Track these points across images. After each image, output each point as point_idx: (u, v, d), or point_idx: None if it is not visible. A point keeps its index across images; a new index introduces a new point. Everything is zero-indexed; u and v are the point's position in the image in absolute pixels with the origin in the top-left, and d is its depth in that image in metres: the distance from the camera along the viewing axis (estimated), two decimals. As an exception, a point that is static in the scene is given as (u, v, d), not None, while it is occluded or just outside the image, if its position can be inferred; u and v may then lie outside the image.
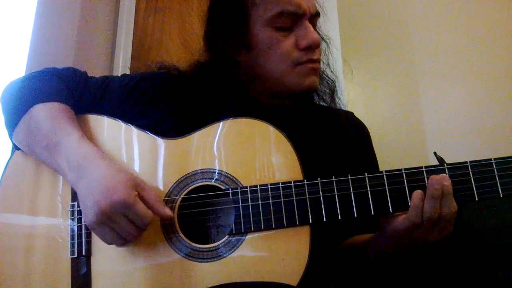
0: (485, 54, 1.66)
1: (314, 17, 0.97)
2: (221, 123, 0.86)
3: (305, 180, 0.80)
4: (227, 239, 0.80)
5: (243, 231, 0.79)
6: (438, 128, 1.66)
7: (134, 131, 0.89)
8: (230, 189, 0.81)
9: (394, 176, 0.79)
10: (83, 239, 0.84)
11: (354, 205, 0.78)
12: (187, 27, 2.07)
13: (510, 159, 0.77)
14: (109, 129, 0.90)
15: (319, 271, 0.87)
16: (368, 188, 0.79)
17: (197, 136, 0.86)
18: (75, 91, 0.94)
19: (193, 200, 0.83)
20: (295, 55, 0.93)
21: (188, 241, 0.81)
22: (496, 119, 1.60)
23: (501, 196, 0.76)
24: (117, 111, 0.93)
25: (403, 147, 1.66)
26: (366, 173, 0.79)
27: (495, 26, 1.69)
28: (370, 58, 1.78)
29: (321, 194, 0.79)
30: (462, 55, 1.69)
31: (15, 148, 0.92)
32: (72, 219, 0.85)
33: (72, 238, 0.84)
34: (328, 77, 1.08)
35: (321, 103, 1.08)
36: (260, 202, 0.80)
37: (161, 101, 0.96)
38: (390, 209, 0.78)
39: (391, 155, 1.55)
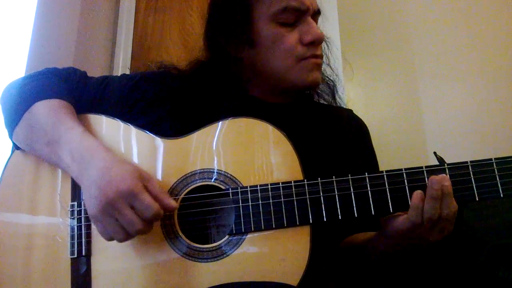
0: (485, 54, 1.66)
1: (315, 14, 0.98)
2: (220, 123, 0.86)
3: (305, 180, 0.80)
4: (227, 239, 0.80)
5: (243, 231, 0.79)
6: (438, 128, 1.66)
7: (134, 130, 0.89)
8: (230, 189, 0.81)
9: (395, 176, 0.79)
10: (83, 239, 0.83)
11: (354, 205, 0.78)
12: (187, 27, 2.07)
13: (510, 159, 0.77)
14: (108, 128, 0.90)
15: (319, 271, 0.87)
16: (369, 188, 0.78)
17: (196, 136, 0.86)
18: (75, 91, 0.94)
19: (193, 200, 0.83)
20: (299, 50, 0.93)
21: (188, 241, 0.81)
22: (496, 119, 1.60)
23: (502, 196, 0.76)
24: (117, 111, 0.93)
25: (403, 147, 1.66)
26: (366, 173, 0.79)
27: (495, 26, 1.69)
28: (370, 58, 1.78)
29: (321, 194, 0.79)
30: (462, 55, 1.69)
31: (15, 147, 0.92)
32: (72, 219, 0.85)
33: (72, 238, 0.84)
34: (328, 77, 1.08)
35: (321, 102, 1.09)
36: (260, 202, 0.80)
37: (161, 101, 0.96)
38: (391, 209, 0.78)
39: (391, 155, 1.55)
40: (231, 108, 0.92)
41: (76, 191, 0.86)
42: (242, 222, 0.80)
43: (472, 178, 0.77)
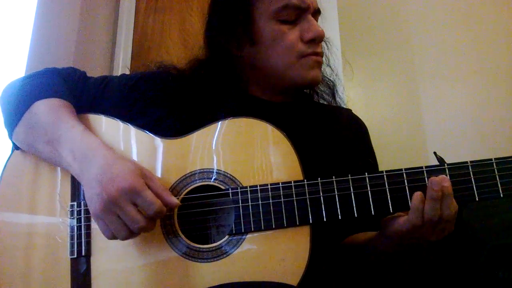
0: (485, 54, 1.66)
1: (316, 13, 0.98)
2: (220, 123, 0.86)
3: (305, 180, 0.80)
4: (227, 239, 0.80)
5: (243, 231, 0.79)
6: (438, 128, 1.66)
7: (133, 130, 0.89)
8: (230, 189, 0.81)
9: (394, 176, 0.79)
10: (83, 239, 0.83)
11: (354, 205, 0.78)
12: (187, 27, 2.07)
13: (510, 159, 0.77)
14: (108, 128, 0.90)
15: (319, 271, 0.87)
16: (369, 188, 0.79)
17: (196, 136, 0.86)
18: (75, 90, 0.94)
19: (193, 200, 0.83)
20: (300, 48, 0.94)
21: (188, 241, 0.81)
22: (496, 119, 1.60)
23: (502, 196, 0.76)
24: (116, 111, 0.93)
25: (403, 147, 1.66)
26: (366, 173, 0.79)
27: (495, 26, 1.69)
28: (370, 58, 1.78)
29: (321, 194, 0.79)
30: (462, 55, 1.69)
31: (15, 147, 0.92)
32: (72, 219, 0.85)
33: (72, 238, 0.84)
34: (328, 77, 1.09)
35: (321, 102, 1.09)
36: (260, 202, 0.80)
37: (160, 101, 0.96)
38: (391, 209, 0.78)
39: (391, 155, 1.55)
40: (231, 108, 0.92)
41: (75, 191, 0.86)
42: (242, 222, 0.80)
43: (472, 178, 0.77)
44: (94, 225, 0.83)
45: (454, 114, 1.65)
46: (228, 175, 0.82)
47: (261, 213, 0.79)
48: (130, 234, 0.76)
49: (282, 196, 0.80)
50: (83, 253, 0.83)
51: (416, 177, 0.78)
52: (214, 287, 0.78)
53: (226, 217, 0.87)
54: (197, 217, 0.84)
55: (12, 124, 0.89)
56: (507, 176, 0.76)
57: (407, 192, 0.78)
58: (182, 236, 0.81)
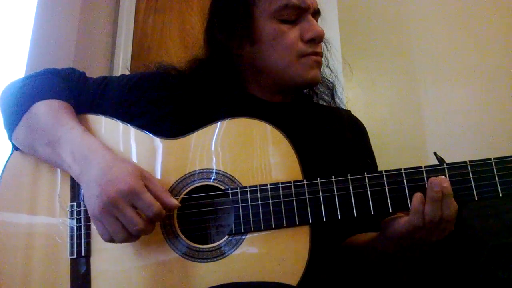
0: (485, 55, 1.66)
1: (316, 14, 0.99)
2: (220, 123, 0.86)
3: (304, 180, 0.80)
4: (227, 239, 0.80)
5: (242, 231, 0.79)
6: (438, 128, 1.66)
7: (133, 131, 0.89)
8: (229, 189, 0.81)
9: (394, 176, 0.79)
10: (83, 240, 0.83)
11: (353, 205, 0.78)
12: (187, 27, 2.07)
13: (509, 158, 0.77)
14: (107, 129, 0.90)
15: (319, 271, 0.87)
16: (368, 188, 0.79)
17: (196, 136, 0.86)
18: (75, 91, 0.94)
19: (192, 200, 0.83)
20: (300, 47, 0.94)
21: (187, 241, 0.81)
22: (496, 119, 1.60)
23: (501, 195, 0.76)
24: (116, 111, 0.92)
25: (403, 147, 1.66)
26: (365, 173, 0.79)
27: (495, 26, 1.69)
28: (370, 58, 1.78)
29: (320, 194, 0.79)
30: (462, 55, 1.69)
31: (14, 148, 0.92)
32: (71, 219, 0.85)
33: (72, 238, 0.84)
34: (328, 78, 1.09)
35: (321, 103, 1.09)
36: (259, 202, 0.80)
37: (160, 101, 0.96)
38: (390, 209, 0.78)
39: (391, 155, 1.55)
40: (231, 108, 0.92)
41: (75, 191, 0.86)
42: (242, 222, 0.80)
43: (471, 178, 0.77)
44: (94, 226, 0.83)
45: (454, 114, 1.65)
46: (228, 175, 0.82)
47: (260, 213, 0.79)
48: (128, 236, 0.75)
49: (281, 196, 0.80)
50: (82, 254, 0.83)
51: (415, 177, 0.78)
52: (214, 287, 0.77)
53: (225, 217, 0.87)
54: (196, 217, 0.84)
55: (11, 125, 0.89)
56: (506, 176, 0.76)
57: (407, 192, 0.78)
58: (182, 236, 0.81)
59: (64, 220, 0.85)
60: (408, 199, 0.77)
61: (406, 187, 0.78)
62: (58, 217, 0.86)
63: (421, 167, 0.78)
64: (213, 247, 0.80)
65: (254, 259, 0.78)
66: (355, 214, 0.78)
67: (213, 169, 0.83)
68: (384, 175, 0.79)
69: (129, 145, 0.88)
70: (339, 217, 0.78)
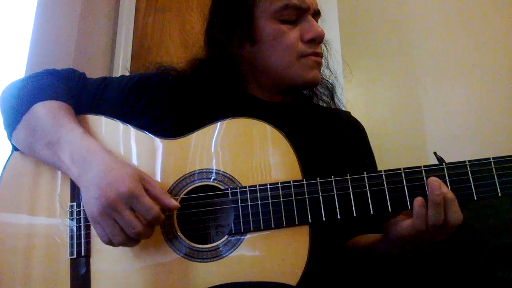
0: (485, 55, 1.66)
1: (316, 15, 0.99)
2: (219, 123, 0.86)
3: (304, 180, 0.80)
4: (226, 239, 0.80)
5: (242, 231, 0.79)
6: (438, 128, 1.66)
7: (133, 131, 0.89)
8: (229, 189, 0.81)
9: (393, 175, 0.79)
10: (83, 240, 0.83)
11: (353, 204, 0.78)
12: (187, 27, 2.07)
13: (508, 158, 0.77)
14: (107, 129, 0.90)
15: (319, 271, 0.87)
16: (367, 188, 0.78)
17: (196, 136, 0.86)
18: (74, 92, 0.94)
19: (192, 200, 0.83)
20: (300, 47, 0.94)
21: (187, 241, 0.81)
22: (496, 119, 1.60)
23: (500, 195, 0.76)
24: (116, 112, 0.93)
25: (403, 147, 1.66)
26: (365, 173, 0.79)
27: (495, 26, 1.69)
28: (370, 58, 1.79)
29: (320, 194, 0.79)
30: (462, 56, 1.69)
31: (14, 149, 0.92)
32: (71, 220, 0.85)
33: (71, 238, 0.84)
34: (327, 79, 1.09)
35: (320, 104, 1.09)
36: (259, 202, 0.80)
37: (160, 101, 0.96)
38: (389, 209, 0.78)
39: (391, 155, 1.55)
40: (230, 108, 0.92)
41: (75, 191, 0.86)
42: (241, 222, 0.80)
43: (471, 178, 0.77)
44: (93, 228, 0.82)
45: (454, 114, 1.65)
46: (227, 175, 0.82)
47: (260, 213, 0.79)
48: (126, 239, 0.75)
49: (281, 196, 0.80)
50: (82, 254, 0.83)
51: (415, 177, 0.78)
52: (214, 287, 0.77)
53: (225, 217, 0.87)
54: (196, 217, 0.84)
55: (11, 126, 0.89)
56: (505, 175, 0.76)
57: (406, 191, 0.78)
58: (182, 236, 0.81)
59: (64, 220, 0.85)
60: (407, 198, 0.77)
61: (405, 187, 0.78)
62: (58, 217, 0.86)
63: (420, 167, 0.78)
64: (212, 247, 0.80)
65: (253, 259, 0.78)
66: (354, 213, 0.78)
67: (212, 169, 0.83)
68: (384, 175, 0.79)
69: (129, 145, 0.88)
70: (339, 217, 0.78)
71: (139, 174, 0.78)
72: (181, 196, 0.83)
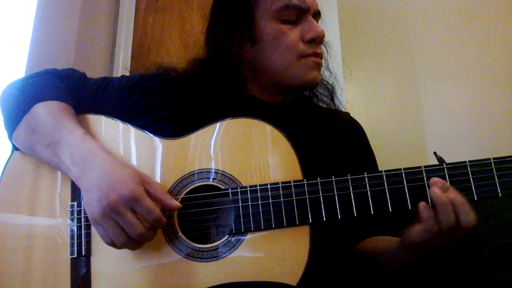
0: (485, 54, 1.66)
1: (316, 15, 0.99)
2: (219, 123, 0.86)
3: (304, 180, 0.80)
4: (227, 238, 0.80)
5: (243, 230, 0.80)
6: (438, 128, 1.66)
7: (133, 131, 0.89)
8: (230, 189, 0.81)
9: (394, 176, 0.79)
10: (83, 239, 0.83)
11: (353, 204, 0.78)
12: (187, 27, 2.07)
13: (508, 158, 0.77)
14: (107, 129, 0.90)
15: (320, 271, 0.87)
16: (368, 188, 0.79)
17: (196, 136, 0.86)
18: (75, 92, 0.95)
19: (192, 200, 0.83)
20: (300, 47, 0.95)
21: (188, 241, 0.81)
22: (496, 119, 1.60)
23: (500, 195, 0.76)
24: (116, 112, 0.93)
25: (403, 147, 1.66)
26: (365, 173, 0.79)
27: (495, 26, 1.68)
28: (370, 58, 1.78)
29: (320, 194, 0.79)
30: (462, 56, 1.69)
31: (14, 148, 0.92)
32: (72, 219, 0.85)
33: (72, 238, 0.84)
34: (327, 80, 1.09)
35: (320, 104, 1.09)
36: (260, 202, 0.80)
37: (160, 101, 0.96)
38: (390, 209, 0.78)
39: (391, 155, 1.55)
40: (230, 108, 0.92)
41: (76, 191, 0.86)
42: (242, 222, 0.80)
43: (471, 178, 0.77)
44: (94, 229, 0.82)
45: (454, 114, 1.65)
46: (228, 175, 0.83)
47: (260, 212, 0.80)
48: (128, 240, 0.76)
49: (281, 196, 0.80)
50: (83, 253, 0.83)
51: (415, 177, 0.78)
52: (214, 287, 0.77)
53: (226, 217, 0.87)
54: (197, 217, 0.84)
55: (12, 126, 0.89)
56: (505, 176, 0.76)
57: (406, 192, 0.78)
58: (182, 236, 0.81)
59: (65, 220, 0.85)
60: (408, 199, 0.77)
61: (405, 187, 0.78)
62: (58, 217, 0.86)
63: (420, 167, 0.78)
64: (213, 247, 0.80)
65: (253, 259, 0.78)
66: (355, 213, 0.78)
67: (213, 169, 0.83)
68: (384, 175, 0.79)
69: (129, 145, 0.88)
70: (339, 217, 0.78)
71: (140, 176, 0.78)
72: (181, 196, 0.83)
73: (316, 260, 0.78)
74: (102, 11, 2.02)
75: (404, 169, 0.79)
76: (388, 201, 0.78)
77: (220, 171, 0.83)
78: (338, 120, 1.06)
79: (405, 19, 1.79)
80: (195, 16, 2.07)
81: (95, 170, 0.78)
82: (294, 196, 0.80)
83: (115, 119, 0.90)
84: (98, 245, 0.82)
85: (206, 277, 0.78)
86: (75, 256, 0.83)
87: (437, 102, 1.68)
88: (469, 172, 0.77)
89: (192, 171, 0.84)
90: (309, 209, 0.79)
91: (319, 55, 0.98)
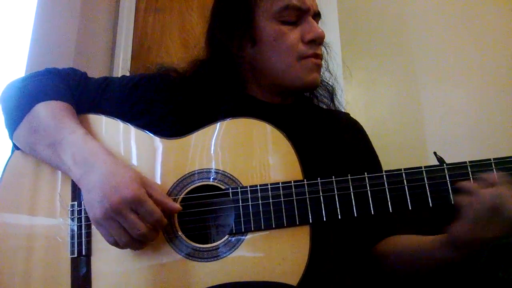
0: (485, 54, 1.67)
1: (316, 16, 0.99)
2: (219, 123, 0.86)
3: (305, 180, 0.80)
4: (227, 238, 0.80)
5: (243, 230, 0.80)
6: (438, 128, 1.66)
7: (133, 130, 0.89)
8: (230, 188, 0.81)
9: (394, 176, 0.79)
10: (83, 239, 0.84)
11: (354, 205, 0.78)
12: (187, 27, 2.07)
13: (508, 159, 0.77)
14: (107, 128, 0.90)
15: (320, 271, 0.87)
16: (368, 188, 0.79)
17: (196, 136, 0.86)
18: (76, 91, 0.95)
19: (193, 200, 0.83)
20: (300, 48, 0.94)
21: (188, 241, 0.81)
22: (496, 119, 1.60)
23: (501, 195, 0.76)
24: (117, 111, 0.93)
25: (403, 147, 1.66)
26: (366, 173, 0.79)
27: (495, 26, 1.69)
28: (370, 58, 1.79)
29: (321, 194, 0.79)
30: (462, 55, 1.69)
31: (15, 148, 0.92)
32: (72, 219, 0.85)
33: (72, 237, 0.84)
34: (327, 81, 1.09)
35: (321, 105, 1.09)
36: (260, 201, 0.80)
37: (161, 102, 0.96)
38: (390, 209, 0.78)
39: (391, 155, 1.55)
40: (231, 109, 0.92)
41: (76, 191, 0.86)
42: (242, 222, 0.80)
43: (471, 178, 0.77)
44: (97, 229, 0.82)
45: (454, 114, 1.65)
46: (228, 174, 0.83)
47: (261, 212, 0.80)
48: (131, 240, 0.76)
49: (282, 196, 0.80)
50: (83, 253, 0.83)
51: (416, 177, 0.78)
52: (214, 287, 0.77)
53: (226, 216, 0.87)
54: (197, 217, 0.84)
55: (13, 126, 0.89)
56: (505, 176, 0.76)
57: (407, 192, 0.78)
58: (182, 236, 0.81)
59: (65, 220, 0.85)
60: (408, 199, 0.77)
61: (406, 187, 0.78)
62: (59, 216, 0.86)
63: (421, 167, 0.79)
64: (213, 246, 0.80)
65: (254, 259, 0.78)
66: (355, 214, 0.78)
67: (213, 168, 0.83)
68: (384, 175, 0.79)
69: (130, 145, 0.88)
70: (339, 217, 0.78)
71: (141, 177, 0.78)
72: (181, 196, 0.83)
73: (316, 260, 0.78)
74: (102, 11, 2.02)
75: (405, 169, 0.79)
76: (389, 201, 0.78)
77: (220, 171, 0.83)
78: (338, 121, 1.06)
79: (405, 19, 1.79)
80: (195, 16, 2.07)
81: (96, 171, 0.78)
82: (294, 196, 0.80)
83: (115, 118, 0.90)
84: (99, 244, 0.82)
85: (206, 277, 0.78)
86: (76, 255, 0.83)
87: (437, 102, 1.68)
88: (470, 172, 0.77)
89: (193, 171, 0.84)
90: (309, 209, 0.79)
91: (319, 56, 0.98)
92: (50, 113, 0.86)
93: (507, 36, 1.66)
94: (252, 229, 0.79)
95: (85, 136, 0.83)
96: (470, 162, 0.78)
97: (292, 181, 0.80)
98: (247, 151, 0.83)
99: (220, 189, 0.82)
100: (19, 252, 0.85)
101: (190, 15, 2.08)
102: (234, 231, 0.80)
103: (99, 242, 0.81)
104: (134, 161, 0.86)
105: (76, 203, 0.85)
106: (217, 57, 1.00)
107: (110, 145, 0.87)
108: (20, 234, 0.86)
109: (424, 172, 0.78)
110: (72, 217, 0.85)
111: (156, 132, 0.88)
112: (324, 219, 0.79)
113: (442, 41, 1.72)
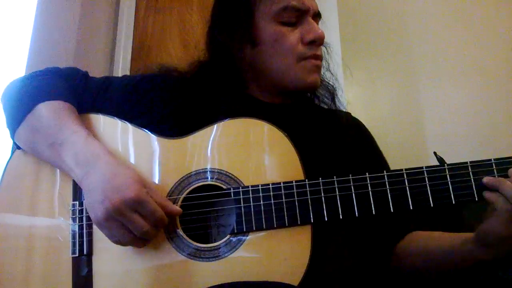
0: (485, 54, 1.67)
1: (316, 17, 0.99)
2: (219, 124, 0.86)
3: (306, 180, 0.80)
4: (228, 238, 0.80)
5: (244, 230, 0.80)
6: (438, 128, 1.66)
7: (133, 130, 0.89)
8: (231, 188, 0.81)
9: (395, 176, 0.79)
10: (84, 238, 0.83)
11: (355, 204, 0.79)
12: (187, 27, 2.07)
13: (509, 159, 0.77)
14: (108, 128, 0.90)
15: (321, 271, 0.87)
16: (369, 188, 0.79)
17: (196, 137, 0.86)
18: (77, 91, 0.95)
19: (194, 199, 0.83)
20: (300, 49, 0.95)
21: (189, 240, 0.81)
22: (496, 119, 1.60)
23: (501, 195, 0.76)
24: (118, 111, 0.93)
25: (403, 147, 1.66)
26: (367, 173, 0.80)
27: (495, 26, 1.69)
28: (370, 58, 1.79)
29: (322, 194, 0.79)
30: (462, 55, 1.69)
31: (16, 147, 0.92)
32: (73, 219, 0.85)
33: (73, 237, 0.84)
34: (328, 81, 1.09)
35: (321, 105, 1.09)
36: (261, 201, 0.80)
37: (161, 102, 0.96)
38: (391, 209, 0.78)
39: (391, 155, 1.55)
40: (230, 109, 0.92)
41: (77, 190, 0.86)
42: (244, 222, 0.80)
43: (472, 179, 0.77)
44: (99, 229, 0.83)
45: (454, 114, 1.65)
46: (230, 174, 0.83)
47: (262, 212, 0.80)
48: (133, 239, 0.77)
49: (283, 196, 0.80)
50: (84, 252, 0.83)
51: (417, 177, 0.78)
52: (215, 287, 0.78)
53: (227, 216, 0.87)
54: (198, 216, 0.84)
55: (14, 125, 0.89)
56: (506, 177, 0.76)
57: (408, 192, 0.78)
58: (184, 235, 0.81)
59: (66, 219, 0.85)
60: (409, 199, 0.78)
61: (407, 187, 0.78)
62: (60, 216, 0.86)
63: (422, 167, 0.79)
64: (214, 246, 0.80)
65: (255, 259, 0.78)
66: (356, 214, 0.78)
67: (214, 168, 0.83)
68: (385, 175, 0.79)
69: (129, 145, 0.88)
70: (341, 217, 0.78)
71: (142, 179, 0.79)
72: (182, 196, 0.83)
73: (317, 260, 0.78)
74: (102, 11, 2.02)
75: (406, 169, 0.79)
76: (390, 201, 0.78)
77: (221, 171, 0.83)
78: (339, 120, 1.06)
79: (405, 19, 1.79)
80: (195, 16, 2.07)
81: (98, 172, 0.78)
82: (296, 196, 0.80)
83: (115, 118, 0.90)
84: (100, 244, 0.83)
85: (208, 276, 0.78)
86: (77, 255, 0.83)
87: (437, 102, 1.68)
88: (470, 172, 0.77)
89: (194, 171, 0.84)
90: (310, 209, 0.79)
91: (319, 57, 0.98)
92: (52, 113, 0.86)
93: (507, 36, 1.66)
94: (254, 229, 0.79)
95: (87, 137, 0.83)
96: (471, 162, 0.78)
97: (294, 181, 0.80)
98: (248, 151, 0.83)
99: (222, 188, 0.82)
100: (20, 252, 0.85)
101: (190, 15, 2.09)
102: (235, 231, 0.80)
103: (100, 241, 0.81)
104: (135, 161, 0.86)
105: (77, 202, 0.85)
106: (218, 58, 1.00)
107: (111, 144, 0.87)
108: (21, 234, 0.86)
109: (425, 172, 0.78)
110: (73, 216, 0.85)
111: (157, 132, 0.88)
112: (326, 219, 0.79)
113: (442, 41, 1.72)
